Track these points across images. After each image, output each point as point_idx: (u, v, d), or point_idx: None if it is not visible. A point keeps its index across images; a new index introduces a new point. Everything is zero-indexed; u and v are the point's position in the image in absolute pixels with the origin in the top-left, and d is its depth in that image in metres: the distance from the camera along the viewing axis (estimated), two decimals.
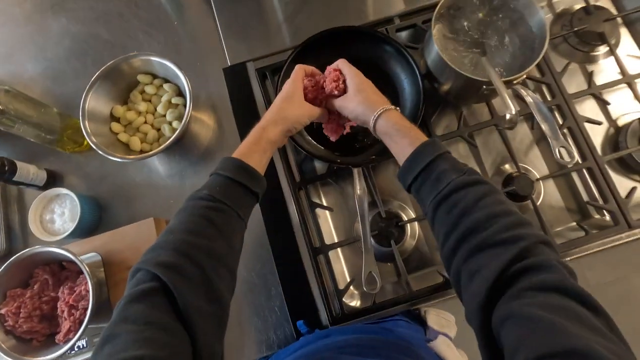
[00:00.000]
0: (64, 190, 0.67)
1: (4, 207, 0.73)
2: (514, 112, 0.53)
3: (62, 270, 0.62)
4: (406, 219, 0.70)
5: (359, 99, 0.54)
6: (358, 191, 0.63)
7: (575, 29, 0.73)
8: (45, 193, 0.68)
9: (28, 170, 0.68)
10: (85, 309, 0.57)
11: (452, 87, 0.67)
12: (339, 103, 0.56)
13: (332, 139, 0.63)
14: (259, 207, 0.71)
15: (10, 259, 0.58)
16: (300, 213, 0.69)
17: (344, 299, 0.66)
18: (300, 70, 0.57)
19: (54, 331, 0.59)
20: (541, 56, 0.59)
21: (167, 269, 0.37)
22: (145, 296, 0.36)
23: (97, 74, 0.67)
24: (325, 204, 0.74)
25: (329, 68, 0.59)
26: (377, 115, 0.51)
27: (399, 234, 0.69)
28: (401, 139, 0.49)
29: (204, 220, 0.43)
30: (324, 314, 0.65)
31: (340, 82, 0.56)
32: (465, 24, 0.69)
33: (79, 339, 0.56)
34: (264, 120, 0.52)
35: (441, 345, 0.62)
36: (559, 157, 0.51)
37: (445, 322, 0.77)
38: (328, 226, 0.73)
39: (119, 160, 0.65)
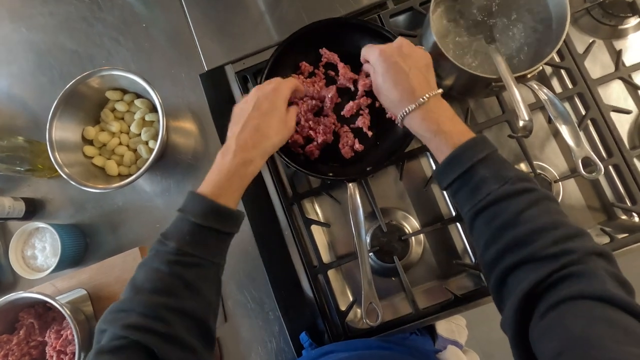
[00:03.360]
0: (41, 224, 0.63)
1: None
2: (527, 119, 0.45)
3: (48, 311, 0.59)
4: (410, 231, 0.64)
5: (383, 94, 0.49)
6: (354, 210, 0.57)
7: None
8: (23, 228, 0.64)
9: (3, 205, 0.64)
10: (74, 353, 0.54)
11: (456, 83, 0.59)
12: (375, 92, 0.52)
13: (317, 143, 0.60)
14: (250, 226, 0.66)
15: None
16: (295, 231, 0.64)
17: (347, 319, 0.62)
18: (287, 87, 0.50)
19: None
20: (561, 42, 0.51)
21: (137, 330, 0.35)
22: (117, 350, 0.34)
23: (57, 99, 0.61)
24: (321, 218, 0.68)
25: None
26: (402, 117, 0.46)
27: (402, 248, 0.63)
28: (435, 138, 0.43)
29: (174, 278, 0.39)
30: (326, 336, 0.62)
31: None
32: (470, 5, 0.59)
33: None
34: (238, 149, 0.44)
35: (450, 356, 0.59)
36: (582, 170, 0.44)
37: (455, 327, 0.73)
38: (326, 242, 0.68)
39: (96, 191, 0.60)
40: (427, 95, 0.44)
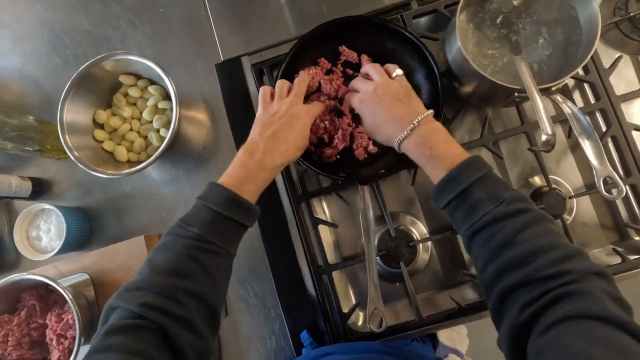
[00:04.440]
0: (47, 206, 0.63)
1: None
2: (551, 133, 0.44)
3: (50, 294, 0.59)
4: (418, 237, 0.63)
5: (376, 133, 0.52)
6: (365, 214, 0.56)
7: (632, 13, 0.61)
8: (29, 208, 0.63)
9: (10, 184, 0.64)
10: (74, 338, 0.54)
11: (476, 91, 0.58)
12: (370, 135, 0.56)
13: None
14: (257, 221, 0.65)
15: None
16: (302, 230, 0.63)
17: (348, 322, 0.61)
18: (316, 112, 0.55)
19: (46, 356, 0.57)
20: (589, 57, 0.49)
21: (153, 309, 0.36)
22: (127, 329, 0.34)
23: (70, 81, 0.60)
24: (329, 218, 0.67)
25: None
26: (397, 146, 0.48)
27: (409, 254, 0.63)
28: (430, 163, 0.44)
29: (193, 262, 0.40)
30: (327, 337, 0.61)
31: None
32: (497, 12, 0.58)
33: None
34: (266, 152, 0.47)
35: None
36: (603, 190, 0.43)
37: (457, 335, 0.73)
38: (332, 242, 0.67)
39: (104, 176, 0.60)
40: (416, 120, 0.45)
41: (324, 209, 0.68)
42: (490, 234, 0.38)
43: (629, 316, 0.30)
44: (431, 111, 0.48)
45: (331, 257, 0.65)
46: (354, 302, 0.64)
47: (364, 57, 0.62)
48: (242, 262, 0.65)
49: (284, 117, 0.49)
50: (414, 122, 0.45)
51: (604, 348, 0.26)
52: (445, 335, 0.68)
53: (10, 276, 0.55)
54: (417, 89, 0.63)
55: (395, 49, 0.62)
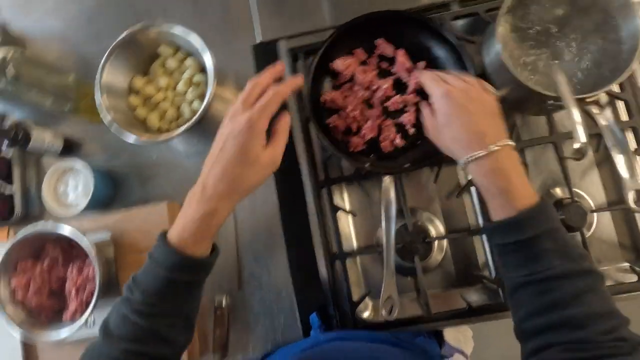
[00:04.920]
0: (78, 164, 0.64)
1: (21, 171, 0.71)
2: (584, 141, 0.44)
3: (72, 249, 0.61)
4: (435, 234, 0.64)
5: (446, 135, 0.45)
6: (387, 203, 0.57)
7: None
8: (59, 164, 0.65)
9: (43, 139, 0.65)
10: (92, 292, 0.56)
11: (509, 96, 0.58)
12: (430, 133, 0.50)
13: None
14: (278, 201, 0.67)
15: (19, 236, 0.56)
16: (321, 215, 0.64)
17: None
18: (263, 118, 0.41)
19: (63, 307, 0.59)
20: (628, 72, 0.49)
21: None
22: None
23: (113, 44, 0.61)
24: (348, 206, 0.68)
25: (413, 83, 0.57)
26: (465, 163, 0.43)
27: (425, 250, 0.63)
28: (500, 195, 0.40)
29: (141, 328, 0.38)
30: (335, 322, 0.62)
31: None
32: (538, 20, 0.58)
33: (85, 319, 0.55)
34: (203, 197, 0.40)
35: None
36: (632, 203, 0.43)
37: (462, 337, 0.73)
38: (348, 230, 0.68)
39: (134, 142, 0.61)
40: (500, 143, 0.41)
41: (343, 197, 0.69)
42: (549, 288, 0.36)
43: None
44: (514, 143, 0.43)
45: (347, 245, 0.66)
46: (364, 291, 0.65)
47: (400, 52, 0.63)
48: (259, 240, 0.67)
49: (219, 140, 0.41)
50: (498, 144, 0.41)
51: None
52: (451, 336, 0.68)
53: (37, 224, 0.57)
54: None
55: (431, 48, 0.63)
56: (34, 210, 0.71)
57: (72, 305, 0.56)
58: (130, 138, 0.61)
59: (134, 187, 0.70)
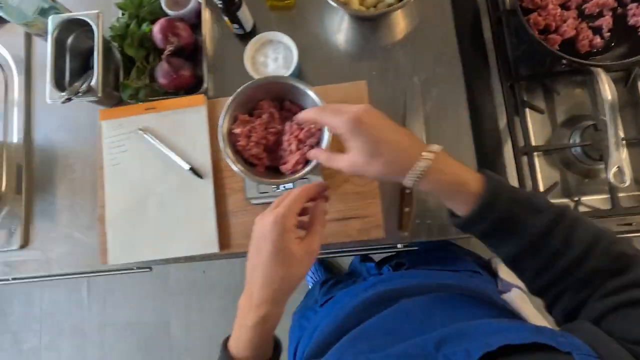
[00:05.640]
0: (279, 36, 0.65)
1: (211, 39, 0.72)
2: None
3: (282, 111, 0.61)
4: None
5: (380, 163, 0.39)
6: (609, 97, 0.58)
7: None
8: (261, 35, 0.66)
9: (246, 13, 0.66)
10: (312, 146, 0.56)
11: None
12: (350, 169, 0.42)
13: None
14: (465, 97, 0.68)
15: (246, 84, 0.57)
16: (508, 109, 0.66)
17: None
18: (289, 214, 0.39)
19: (273, 164, 0.59)
20: None
21: None
22: None
23: None
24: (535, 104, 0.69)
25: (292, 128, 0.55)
26: (415, 180, 0.39)
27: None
28: (451, 197, 0.40)
29: None
30: None
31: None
32: None
33: (306, 173, 0.56)
34: (251, 307, 0.39)
35: (516, 299, 0.57)
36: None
37: None
38: (533, 128, 0.69)
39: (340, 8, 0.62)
40: (427, 149, 0.39)
41: (531, 95, 0.70)
42: (538, 247, 0.37)
43: None
44: (437, 149, 0.40)
45: (534, 141, 0.67)
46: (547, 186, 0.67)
47: None
48: (446, 136, 0.67)
49: (253, 243, 0.40)
50: (427, 150, 0.39)
51: None
52: (506, 272, 0.65)
53: (262, 78, 0.58)
54: None
55: None
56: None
57: (294, 157, 0.56)
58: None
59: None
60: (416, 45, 0.71)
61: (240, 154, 0.58)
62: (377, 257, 0.76)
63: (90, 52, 0.72)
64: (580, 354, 0.25)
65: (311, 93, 0.56)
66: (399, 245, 0.72)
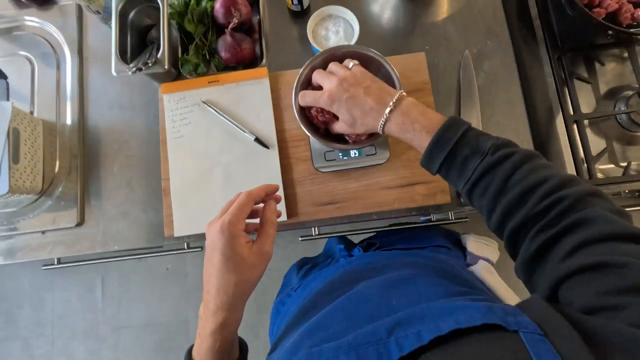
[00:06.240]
0: (346, 12, 0.67)
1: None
2: None
3: None
4: None
5: (358, 128, 0.51)
6: None
7: None
8: (323, 9, 0.68)
9: None
10: None
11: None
12: (343, 132, 0.54)
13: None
14: (516, 68, 0.71)
15: (323, 50, 0.58)
16: (557, 80, 0.69)
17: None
18: (235, 221, 0.40)
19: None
20: None
21: None
22: None
23: None
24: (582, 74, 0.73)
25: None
26: (381, 128, 0.48)
27: None
28: (416, 134, 0.45)
29: None
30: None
31: (323, 115, 0.54)
32: None
33: (369, 143, 0.57)
34: (208, 315, 0.39)
35: (482, 270, 0.60)
36: None
37: (485, 247, 0.72)
38: (582, 98, 0.73)
39: None
40: (391, 102, 0.47)
41: (577, 66, 0.74)
42: (485, 185, 0.40)
43: (630, 221, 0.33)
44: (403, 91, 0.49)
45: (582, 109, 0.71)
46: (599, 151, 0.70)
47: None
48: (499, 112, 0.70)
49: (216, 252, 0.39)
50: (390, 105, 0.46)
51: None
52: (473, 246, 0.68)
53: (338, 46, 0.59)
54: None
55: None
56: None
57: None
58: None
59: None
60: (465, 21, 0.74)
61: (309, 122, 0.58)
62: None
63: (146, 30, 0.73)
64: (525, 332, 0.25)
65: (386, 65, 0.57)
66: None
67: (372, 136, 0.56)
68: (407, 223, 0.73)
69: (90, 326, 1.66)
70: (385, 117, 0.47)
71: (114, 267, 1.67)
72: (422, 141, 0.44)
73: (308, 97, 0.53)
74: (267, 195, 0.45)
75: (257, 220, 0.45)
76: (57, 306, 1.69)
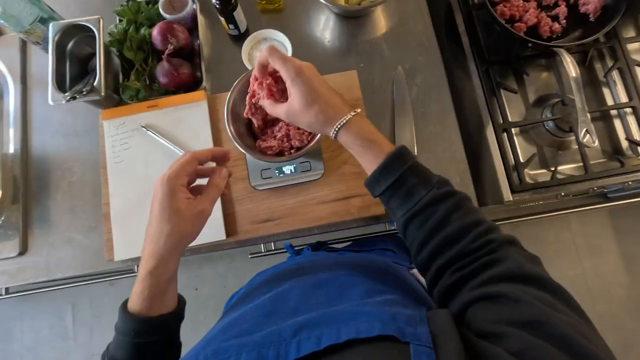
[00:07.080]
0: (279, 35, 0.70)
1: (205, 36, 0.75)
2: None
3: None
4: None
5: (313, 111, 0.46)
6: (573, 74, 0.66)
7: None
8: (257, 33, 0.71)
9: (241, 14, 0.71)
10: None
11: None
12: (286, 115, 0.48)
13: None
14: (446, 81, 0.74)
15: (242, 76, 0.61)
16: (485, 90, 0.73)
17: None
18: (174, 176, 0.43)
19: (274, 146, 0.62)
20: None
21: None
22: None
23: None
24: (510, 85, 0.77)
25: (255, 73, 0.51)
26: (337, 129, 0.46)
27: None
28: (365, 151, 0.45)
29: None
30: (505, 184, 0.69)
31: (276, 91, 0.51)
32: None
33: (301, 154, 0.59)
34: (147, 257, 0.42)
35: (417, 272, 0.61)
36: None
37: None
38: (508, 107, 0.76)
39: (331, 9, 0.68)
40: (357, 109, 0.46)
41: (504, 77, 0.78)
42: (426, 217, 0.40)
43: (541, 267, 0.36)
44: (358, 110, 0.47)
45: (511, 119, 0.74)
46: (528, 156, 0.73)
47: None
48: (431, 119, 0.73)
49: (155, 203, 0.42)
50: (345, 118, 0.45)
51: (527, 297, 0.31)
52: None
53: None
54: None
55: None
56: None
57: (295, 142, 0.60)
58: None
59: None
60: (398, 39, 0.77)
61: (242, 138, 0.60)
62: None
63: (88, 59, 0.75)
64: (416, 344, 0.26)
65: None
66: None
67: (306, 145, 0.58)
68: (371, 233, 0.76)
69: (61, 355, 1.62)
70: (346, 119, 0.45)
71: (84, 292, 1.64)
72: (376, 158, 0.43)
73: (275, 58, 0.46)
74: (215, 158, 0.47)
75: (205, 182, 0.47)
76: (26, 337, 1.64)
